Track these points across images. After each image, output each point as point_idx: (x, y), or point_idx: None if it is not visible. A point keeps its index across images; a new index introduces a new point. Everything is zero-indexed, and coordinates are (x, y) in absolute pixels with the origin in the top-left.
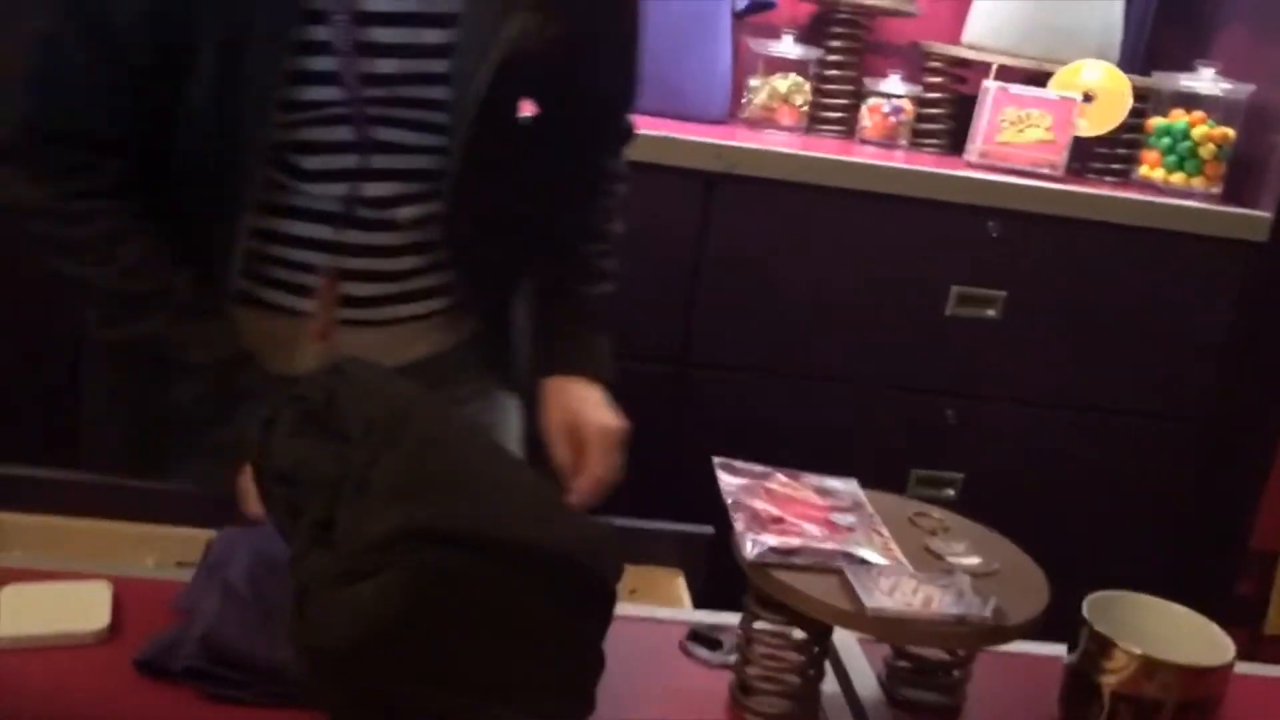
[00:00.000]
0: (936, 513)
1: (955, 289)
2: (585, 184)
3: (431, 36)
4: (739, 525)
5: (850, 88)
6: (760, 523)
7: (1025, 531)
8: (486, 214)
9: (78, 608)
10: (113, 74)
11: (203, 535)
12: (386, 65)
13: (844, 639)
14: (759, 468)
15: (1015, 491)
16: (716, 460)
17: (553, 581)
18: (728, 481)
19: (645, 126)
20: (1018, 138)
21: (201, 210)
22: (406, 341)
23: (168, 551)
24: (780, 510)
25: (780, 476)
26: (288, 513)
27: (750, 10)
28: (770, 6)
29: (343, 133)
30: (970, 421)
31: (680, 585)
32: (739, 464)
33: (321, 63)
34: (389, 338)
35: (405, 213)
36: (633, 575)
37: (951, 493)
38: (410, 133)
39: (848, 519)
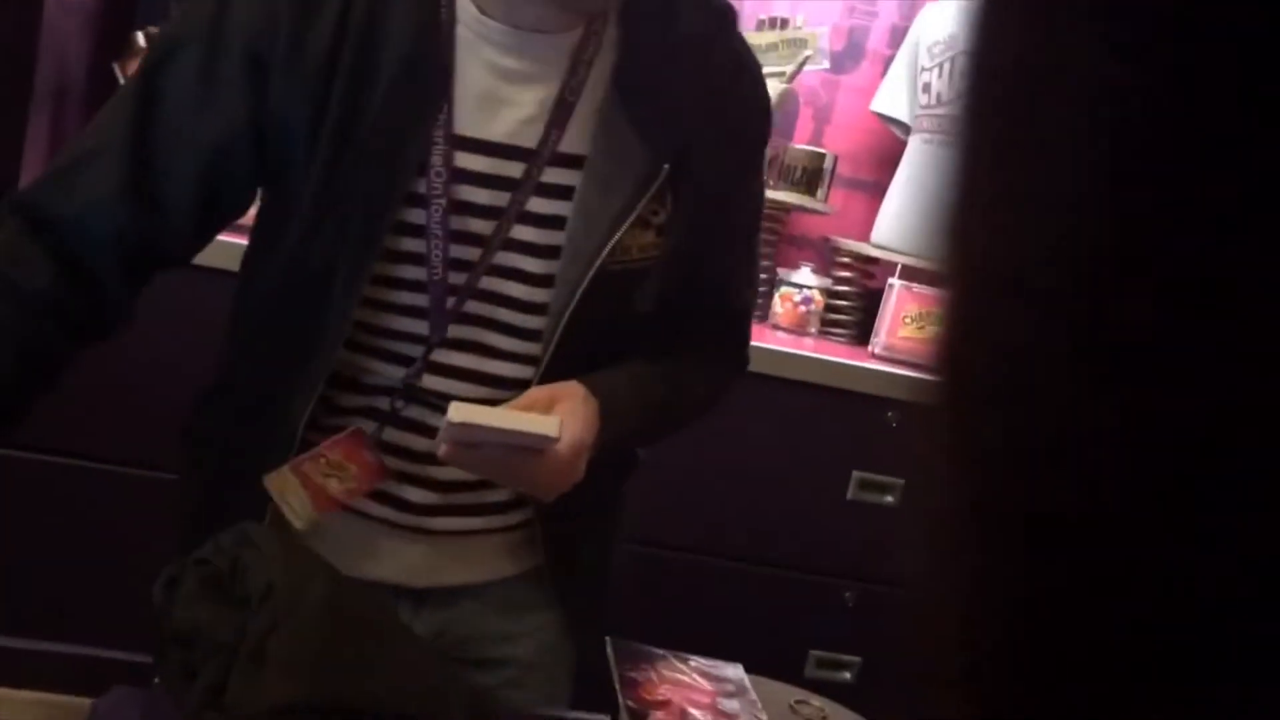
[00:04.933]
0: (816, 700)
1: (856, 474)
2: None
3: (526, 234)
4: (625, 708)
5: (764, 276)
6: (647, 706)
7: None
8: None
9: None
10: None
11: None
12: (471, 254)
13: None
14: (653, 650)
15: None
16: (610, 640)
17: None
18: (620, 663)
19: None
20: (919, 334)
21: (282, 346)
22: (456, 558)
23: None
24: (668, 694)
25: (672, 660)
26: (182, 676)
27: None
28: None
29: (418, 325)
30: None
31: None
32: (632, 645)
33: (412, 244)
34: (435, 551)
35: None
36: None
37: (848, 676)
38: (494, 334)
39: (732, 704)
